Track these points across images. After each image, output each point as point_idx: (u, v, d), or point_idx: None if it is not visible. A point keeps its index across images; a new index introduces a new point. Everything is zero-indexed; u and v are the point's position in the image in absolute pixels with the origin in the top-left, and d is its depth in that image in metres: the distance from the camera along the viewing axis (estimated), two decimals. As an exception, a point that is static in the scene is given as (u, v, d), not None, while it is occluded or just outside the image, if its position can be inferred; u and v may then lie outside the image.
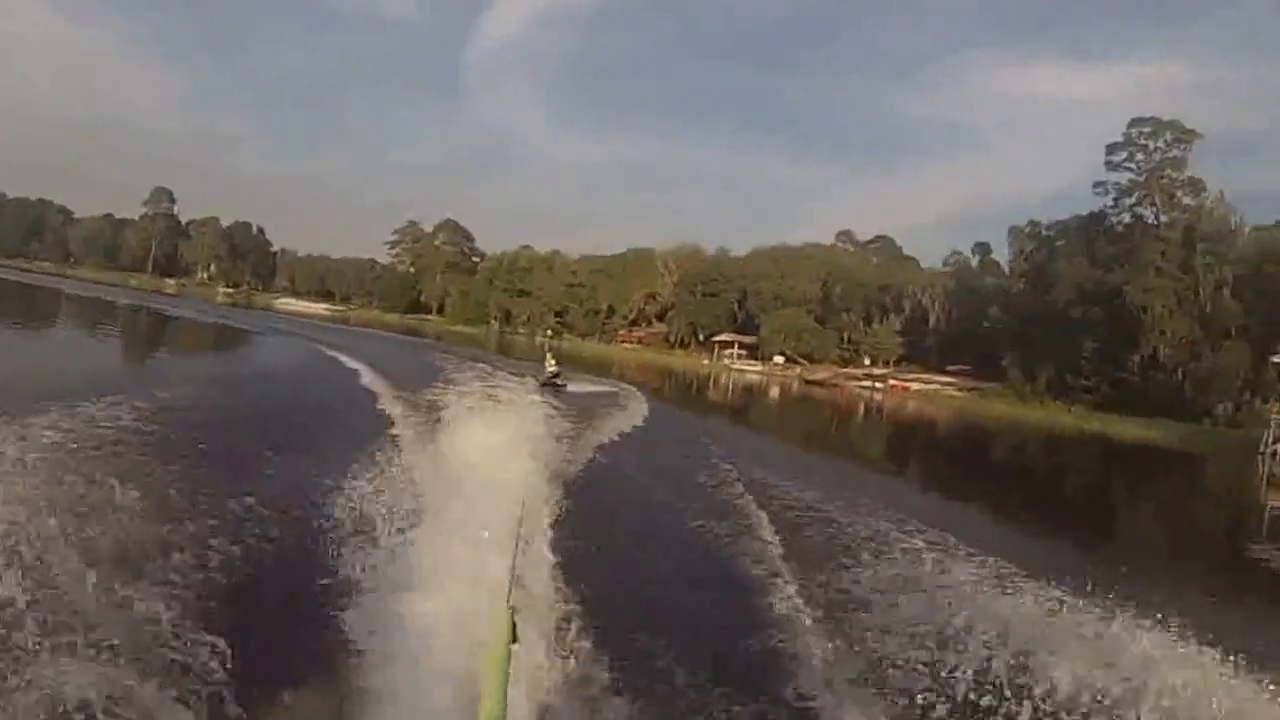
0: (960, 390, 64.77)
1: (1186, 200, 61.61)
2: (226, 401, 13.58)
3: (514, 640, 2.64)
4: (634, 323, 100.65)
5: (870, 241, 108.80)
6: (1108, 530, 18.12)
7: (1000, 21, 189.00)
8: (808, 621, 6.74)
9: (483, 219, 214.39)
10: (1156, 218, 59.79)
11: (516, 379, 23.01)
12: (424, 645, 4.98)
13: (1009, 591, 7.11)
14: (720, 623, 7.00)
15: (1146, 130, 59.17)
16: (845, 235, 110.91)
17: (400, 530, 6.89)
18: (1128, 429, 47.34)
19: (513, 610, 2.72)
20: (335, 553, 6.56)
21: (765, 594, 7.41)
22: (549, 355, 24.80)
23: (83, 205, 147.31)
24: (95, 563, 4.89)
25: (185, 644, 4.50)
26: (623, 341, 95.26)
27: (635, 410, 20.63)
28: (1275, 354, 45.28)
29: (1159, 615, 5.77)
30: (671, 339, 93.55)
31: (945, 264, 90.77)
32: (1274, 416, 37.90)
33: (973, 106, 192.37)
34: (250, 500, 7.10)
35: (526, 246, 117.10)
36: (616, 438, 15.31)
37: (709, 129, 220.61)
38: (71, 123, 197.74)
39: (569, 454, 11.40)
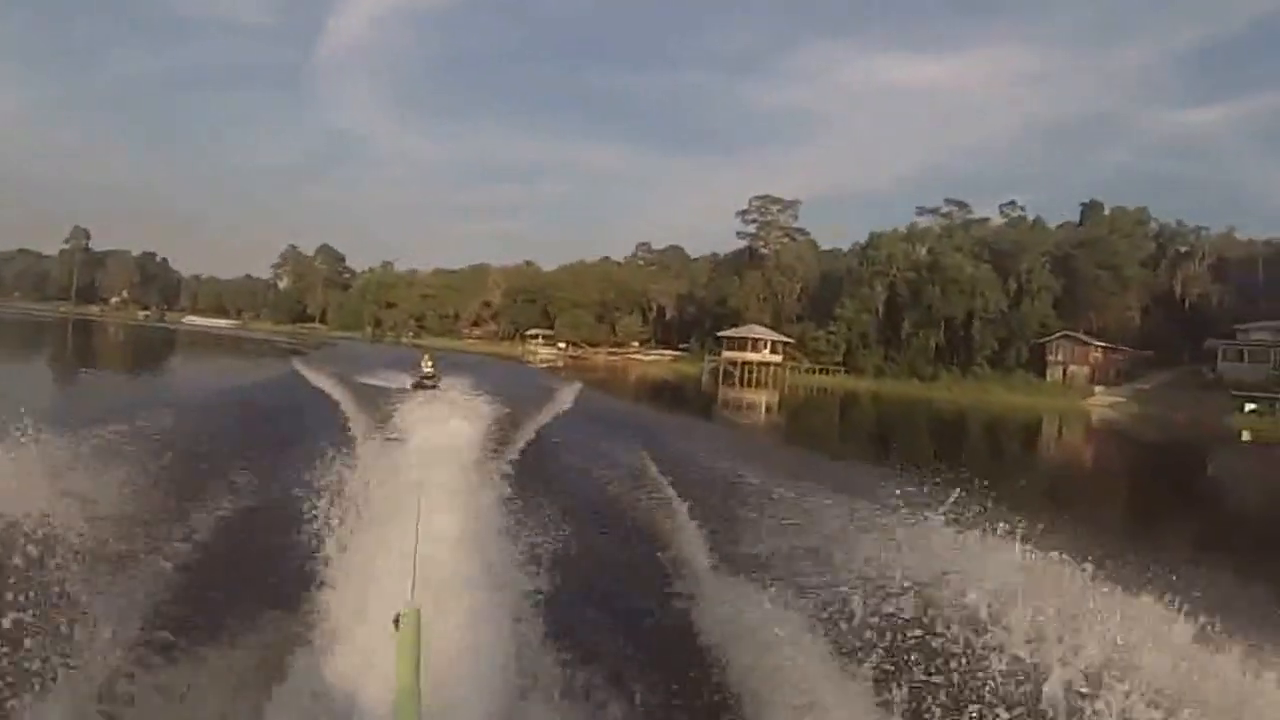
0: (669, 358, 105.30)
1: (801, 238, 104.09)
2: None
3: (419, 636, 2.78)
4: (475, 324, 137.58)
5: (664, 250, 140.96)
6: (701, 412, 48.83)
7: (843, 13, 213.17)
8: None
9: (347, 220, 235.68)
10: (771, 252, 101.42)
11: (394, 375, 23.91)
12: (337, 650, 5.14)
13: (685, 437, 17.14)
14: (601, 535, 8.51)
15: (761, 202, 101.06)
16: (644, 246, 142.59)
17: (312, 528, 6.98)
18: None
19: (418, 610, 2.83)
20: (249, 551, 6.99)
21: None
22: (426, 357, 24.35)
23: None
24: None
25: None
26: (467, 338, 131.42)
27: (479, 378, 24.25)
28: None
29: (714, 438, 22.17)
30: (500, 334, 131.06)
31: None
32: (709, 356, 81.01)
33: (816, 98, 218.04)
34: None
35: (388, 263, 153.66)
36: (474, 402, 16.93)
37: (557, 128, 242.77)
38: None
39: (448, 426, 11.69)
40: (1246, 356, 75.45)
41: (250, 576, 6.43)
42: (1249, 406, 66.82)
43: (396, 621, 2.83)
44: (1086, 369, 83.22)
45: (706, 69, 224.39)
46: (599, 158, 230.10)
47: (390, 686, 2.76)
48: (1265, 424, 62.88)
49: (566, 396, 21.78)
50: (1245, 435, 59.42)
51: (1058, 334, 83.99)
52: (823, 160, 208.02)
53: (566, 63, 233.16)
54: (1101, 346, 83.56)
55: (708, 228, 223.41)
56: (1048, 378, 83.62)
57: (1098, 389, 79.61)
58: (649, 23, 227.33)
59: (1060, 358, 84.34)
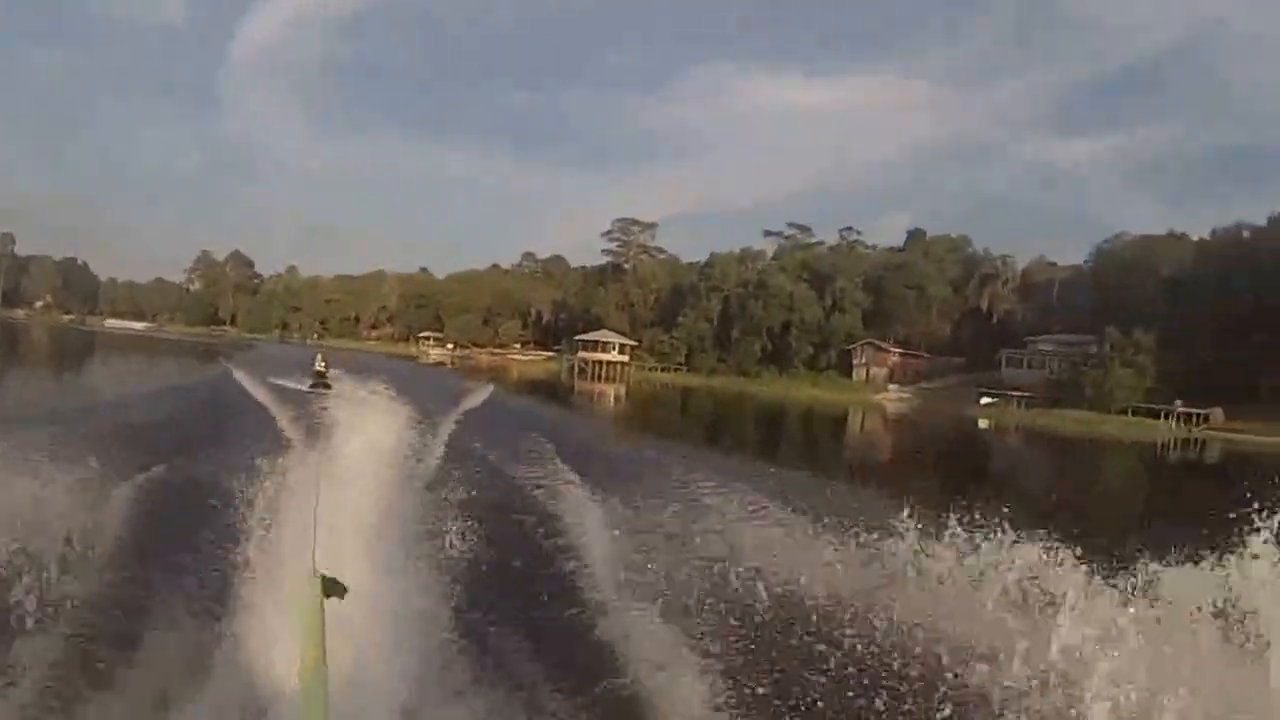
0: (543, 358, 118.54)
1: (662, 256, 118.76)
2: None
3: (328, 596, 2.64)
4: (374, 326, 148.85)
5: (547, 259, 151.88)
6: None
7: (736, 38, 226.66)
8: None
9: (254, 224, 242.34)
10: (630, 267, 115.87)
11: (294, 372, 24.59)
12: (240, 631, 5.26)
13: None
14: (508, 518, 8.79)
15: (623, 224, 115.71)
16: (529, 255, 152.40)
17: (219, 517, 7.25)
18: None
19: (322, 576, 2.69)
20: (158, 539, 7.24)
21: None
22: (319, 356, 24.34)
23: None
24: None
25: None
26: (366, 339, 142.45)
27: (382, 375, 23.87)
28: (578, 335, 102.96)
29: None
30: (396, 336, 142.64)
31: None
32: (566, 356, 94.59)
33: (702, 118, 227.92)
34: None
35: (292, 267, 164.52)
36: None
37: (454, 140, 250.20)
38: None
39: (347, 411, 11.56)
40: (1028, 363, 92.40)
41: (156, 568, 6.66)
42: (984, 400, 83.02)
43: (325, 588, 2.66)
44: (885, 371, 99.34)
45: (601, 87, 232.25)
46: (493, 169, 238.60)
47: (295, 666, 2.70)
48: (995, 414, 78.97)
49: (457, 390, 23.66)
50: (983, 423, 75.36)
51: (863, 341, 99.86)
52: (708, 177, 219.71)
53: (465, 79, 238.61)
54: (899, 352, 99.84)
55: (593, 237, 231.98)
56: (853, 377, 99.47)
57: (891, 387, 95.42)
58: (548, 42, 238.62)
59: (864, 361, 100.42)
